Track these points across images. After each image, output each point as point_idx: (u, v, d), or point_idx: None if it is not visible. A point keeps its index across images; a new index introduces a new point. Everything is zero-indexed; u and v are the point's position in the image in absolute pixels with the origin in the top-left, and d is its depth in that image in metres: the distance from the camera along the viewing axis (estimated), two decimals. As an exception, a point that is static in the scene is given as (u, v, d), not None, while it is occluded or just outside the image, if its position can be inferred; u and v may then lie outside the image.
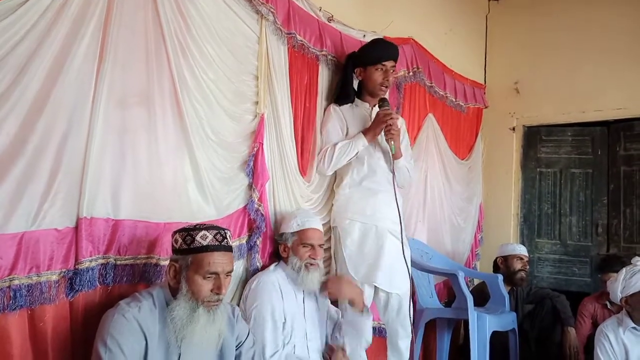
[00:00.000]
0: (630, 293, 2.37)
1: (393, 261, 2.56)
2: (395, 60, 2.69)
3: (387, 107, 2.61)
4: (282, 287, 2.22)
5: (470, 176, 4.11)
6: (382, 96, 2.67)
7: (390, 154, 2.57)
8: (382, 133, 2.58)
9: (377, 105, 2.66)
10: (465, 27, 4.25)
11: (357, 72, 2.70)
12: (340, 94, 2.71)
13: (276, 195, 2.46)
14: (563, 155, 4.20)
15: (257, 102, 2.35)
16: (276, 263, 2.34)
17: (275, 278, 2.23)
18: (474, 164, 4.18)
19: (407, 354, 2.67)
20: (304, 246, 2.27)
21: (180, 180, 2.03)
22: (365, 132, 2.60)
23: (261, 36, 2.36)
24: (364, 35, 3.00)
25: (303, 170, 2.63)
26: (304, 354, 2.20)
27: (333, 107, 2.68)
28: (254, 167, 2.30)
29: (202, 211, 2.09)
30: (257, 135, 2.33)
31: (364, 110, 2.72)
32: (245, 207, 2.30)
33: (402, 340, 2.63)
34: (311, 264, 2.25)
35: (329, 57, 2.72)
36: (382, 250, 2.55)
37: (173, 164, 2.00)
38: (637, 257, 2.47)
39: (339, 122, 2.65)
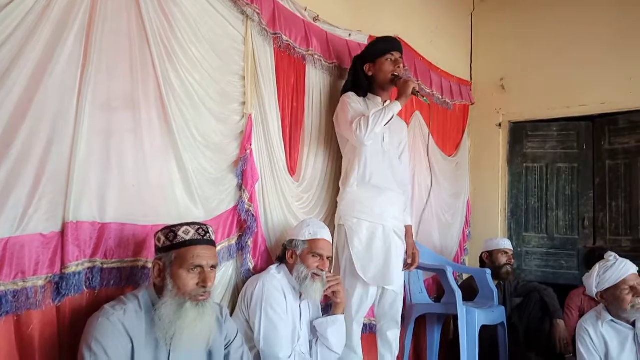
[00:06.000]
0: (605, 288, 2.38)
1: (398, 261, 2.61)
2: (401, 53, 2.68)
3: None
4: (285, 291, 2.22)
5: (457, 173, 4.13)
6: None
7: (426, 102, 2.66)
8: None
9: (388, 101, 2.64)
10: (451, 25, 4.27)
11: (367, 68, 2.67)
12: (353, 88, 2.68)
13: (265, 196, 2.46)
14: (549, 150, 4.23)
15: (244, 103, 2.35)
16: (277, 265, 2.32)
17: (278, 282, 2.22)
18: (461, 161, 4.20)
19: (396, 345, 2.74)
20: (314, 256, 2.25)
21: (167, 182, 2.02)
22: (397, 98, 2.56)
23: (247, 37, 2.36)
24: (350, 35, 3.01)
25: (292, 170, 2.64)
26: (300, 358, 2.21)
27: (351, 93, 2.64)
28: (243, 168, 2.31)
29: (190, 213, 2.09)
30: (246, 136, 2.33)
31: (377, 103, 2.66)
32: (235, 208, 2.30)
33: (392, 331, 2.72)
34: (317, 275, 2.24)
35: (316, 56, 2.73)
36: (390, 252, 2.56)
37: (159, 166, 1.99)
38: (609, 252, 2.48)
39: (359, 102, 2.62)
